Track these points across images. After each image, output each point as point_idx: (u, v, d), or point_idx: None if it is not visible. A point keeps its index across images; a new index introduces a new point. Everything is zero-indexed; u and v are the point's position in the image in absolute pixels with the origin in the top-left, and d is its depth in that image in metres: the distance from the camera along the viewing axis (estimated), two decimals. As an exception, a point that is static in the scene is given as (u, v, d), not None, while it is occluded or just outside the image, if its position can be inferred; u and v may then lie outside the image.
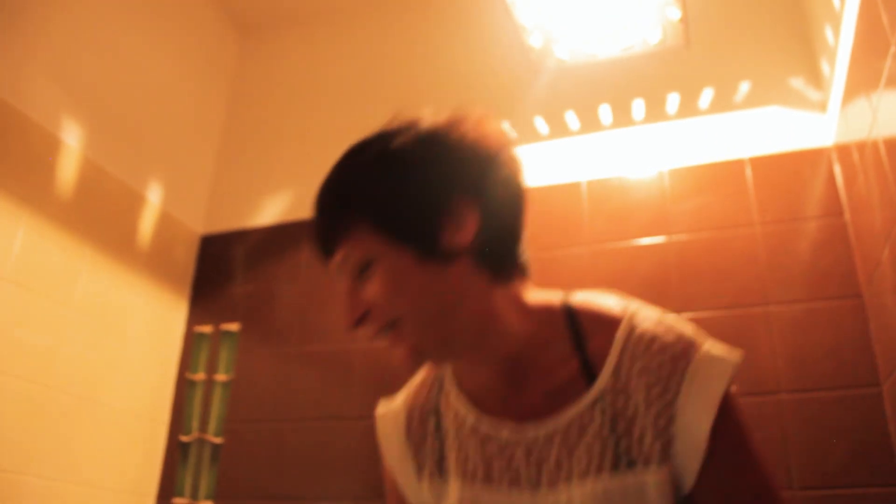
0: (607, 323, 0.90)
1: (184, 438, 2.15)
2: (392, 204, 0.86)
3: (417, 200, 0.86)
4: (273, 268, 2.28)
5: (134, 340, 2.11)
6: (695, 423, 0.82)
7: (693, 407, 0.82)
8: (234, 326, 2.24)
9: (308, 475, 1.99)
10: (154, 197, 2.26)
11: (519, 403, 0.92)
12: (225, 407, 2.14)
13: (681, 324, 0.89)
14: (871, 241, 1.60)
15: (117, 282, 2.08)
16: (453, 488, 0.93)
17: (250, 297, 2.27)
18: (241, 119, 2.62)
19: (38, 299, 1.83)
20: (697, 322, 1.79)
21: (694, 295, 1.82)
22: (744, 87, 2.01)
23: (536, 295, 0.95)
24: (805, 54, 1.98)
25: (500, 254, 0.90)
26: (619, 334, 0.87)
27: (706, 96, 2.03)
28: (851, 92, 1.63)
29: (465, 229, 0.86)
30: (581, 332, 0.91)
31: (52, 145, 1.92)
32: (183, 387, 2.22)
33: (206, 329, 2.27)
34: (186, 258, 2.38)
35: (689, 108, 2.03)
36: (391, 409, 1.06)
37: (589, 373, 0.88)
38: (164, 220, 2.29)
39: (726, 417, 0.82)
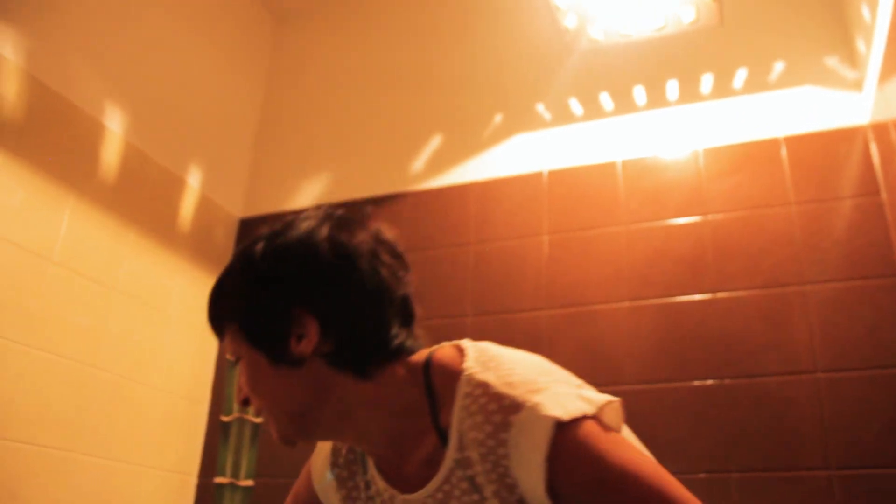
0: (450, 380, 0.90)
1: (224, 418, 2.20)
2: (247, 314, 0.94)
3: (265, 312, 0.93)
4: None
5: (175, 322, 2.16)
6: (531, 484, 0.81)
7: (524, 470, 0.81)
8: (272, 308, 2.27)
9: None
10: (194, 181, 2.30)
11: (402, 474, 0.96)
12: (265, 386, 2.19)
13: (516, 376, 0.86)
14: (909, 219, 1.59)
15: (159, 265, 2.13)
16: None
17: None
18: (277, 103, 2.66)
19: (84, 282, 1.88)
20: (733, 302, 1.82)
21: (729, 274, 1.82)
22: (778, 67, 2.00)
23: (410, 361, 0.95)
24: (840, 33, 1.97)
25: (352, 356, 0.92)
26: (458, 396, 0.87)
27: (740, 76, 2.02)
28: (889, 70, 1.62)
29: (308, 338, 0.91)
30: (435, 394, 0.91)
31: (95, 131, 1.97)
32: (223, 368, 2.27)
33: (246, 310, 2.31)
34: (226, 242, 2.42)
35: (723, 88, 2.03)
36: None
37: (444, 438, 0.89)
38: (204, 204, 2.34)
39: (563, 467, 0.80)
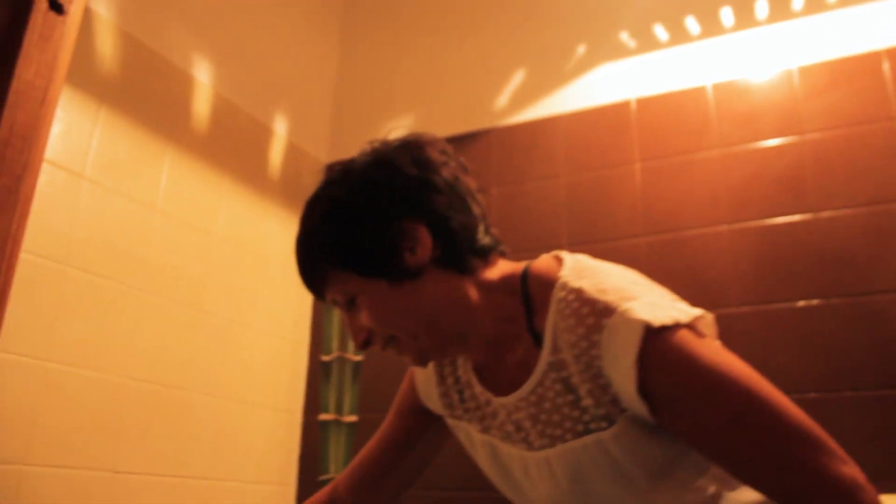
0: (546, 288, 0.93)
1: (324, 358, 2.26)
2: (351, 249, 0.94)
3: (371, 239, 0.94)
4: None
5: (273, 266, 2.22)
6: (624, 386, 0.83)
7: (616, 371, 0.84)
8: (365, 249, 2.31)
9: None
10: (280, 128, 2.33)
11: (497, 378, 1.01)
12: (362, 326, 2.24)
13: (609, 284, 0.88)
14: None
15: (254, 210, 2.18)
16: (473, 432, 1.05)
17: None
18: (357, 45, 2.66)
19: (186, 229, 1.94)
20: (837, 221, 1.78)
21: (830, 194, 1.79)
22: (875, -22, 1.93)
23: (502, 268, 1.01)
24: (942, -63, 1.89)
25: (459, 252, 0.96)
26: (553, 300, 0.91)
27: (835, -10, 1.96)
28: None
29: (422, 246, 0.94)
30: (531, 300, 0.96)
31: (186, 83, 2.01)
32: (320, 309, 2.32)
33: (339, 254, 2.36)
34: (314, 186, 2.45)
35: (816, 3, 1.97)
36: None
37: (539, 342, 0.93)
38: (291, 151, 2.37)
39: (657, 370, 0.81)
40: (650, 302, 0.85)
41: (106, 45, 1.79)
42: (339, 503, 1.21)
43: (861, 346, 1.67)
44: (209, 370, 1.95)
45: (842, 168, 1.80)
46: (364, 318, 0.96)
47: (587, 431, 0.89)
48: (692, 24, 2.09)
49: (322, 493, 1.24)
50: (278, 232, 2.26)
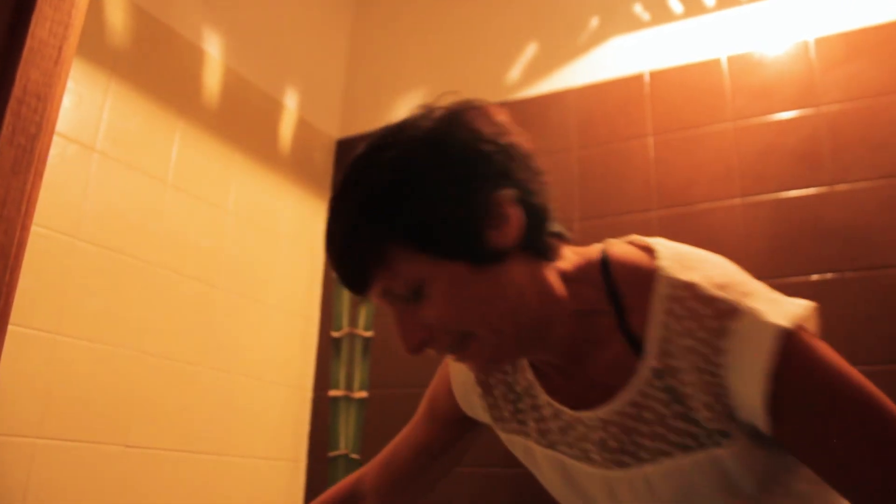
0: (641, 281, 0.82)
1: (335, 334, 2.26)
2: (427, 223, 0.79)
3: (453, 212, 0.79)
4: (409, 167, 2.33)
5: (283, 242, 2.22)
6: (748, 396, 0.75)
7: (742, 381, 0.75)
8: (376, 225, 2.31)
9: (459, 361, 2.06)
10: (291, 103, 2.32)
11: (572, 385, 0.89)
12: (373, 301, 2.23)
13: (723, 277, 0.79)
14: None
15: (265, 186, 2.17)
16: (535, 447, 0.95)
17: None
18: (368, 19, 2.64)
19: (198, 203, 1.94)
20: (853, 194, 1.76)
21: (848, 166, 1.76)
22: (894, -53, 1.90)
23: (573, 257, 0.89)
24: None
25: (541, 235, 0.84)
26: (656, 297, 0.79)
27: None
28: None
29: (511, 224, 0.80)
30: (618, 293, 0.84)
31: (196, 56, 2.00)
32: (330, 286, 2.32)
33: (349, 229, 2.35)
34: (325, 162, 2.45)
35: (834, -26, 1.94)
36: None
37: (635, 345, 0.82)
38: (302, 126, 2.36)
39: (789, 380, 0.73)
40: (769, 298, 0.77)
41: (117, 17, 1.78)
42: (363, 499, 1.13)
43: (875, 319, 1.65)
44: (220, 345, 1.95)
45: (858, 141, 1.77)
46: (431, 312, 0.80)
47: (699, 446, 0.79)
48: (707, -5, 2.07)
49: (345, 484, 1.16)
50: (288, 207, 2.25)
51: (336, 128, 2.52)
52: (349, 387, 2.19)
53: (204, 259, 1.93)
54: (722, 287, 0.77)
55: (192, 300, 1.88)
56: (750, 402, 0.75)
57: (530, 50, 2.27)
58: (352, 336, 2.24)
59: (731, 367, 0.75)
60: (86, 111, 1.68)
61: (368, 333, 2.22)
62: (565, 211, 2.04)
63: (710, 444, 0.78)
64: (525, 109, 2.20)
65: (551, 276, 0.85)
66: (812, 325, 0.79)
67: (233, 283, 2.01)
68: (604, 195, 2.01)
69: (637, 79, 2.07)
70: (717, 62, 1.99)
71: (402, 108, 2.40)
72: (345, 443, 2.14)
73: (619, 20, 2.17)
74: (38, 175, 1.18)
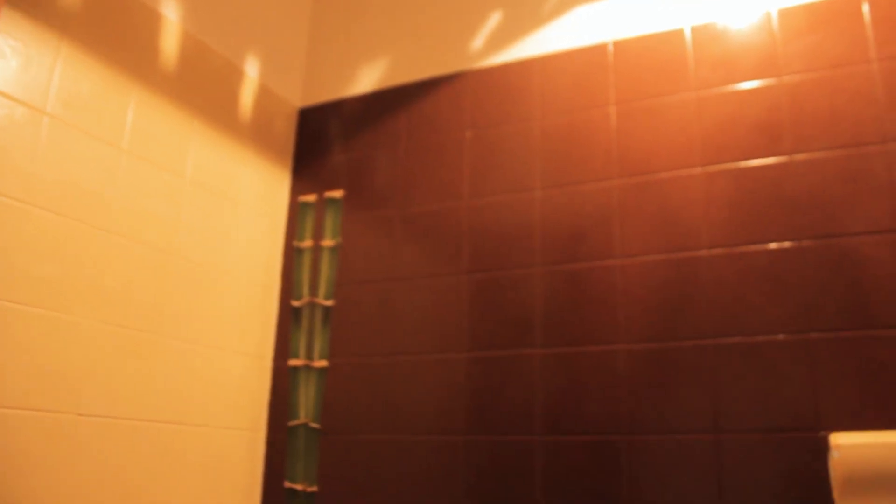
0: None
1: (295, 303, 2.24)
2: None
3: None
4: (373, 135, 2.31)
5: (243, 210, 2.18)
6: None
7: None
8: (337, 193, 2.29)
9: (418, 332, 2.06)
10: (252, 71, 2.28)
11: None
12: (334, 271, 2.22)
13: None
14: None
15: (224, 154, 2.13)
16: None
17: (352, 164, 2.31)
18: (328, -8, 2.60)
19: (155, 171, 1.90)
20: (811, 164, 1.77)
21: (807, 137, 1.77)
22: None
23: None
24: None
25: None
26: None
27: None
28: None
29: None
30: None
31: (153, 20, 1.95)
32: (291, 255, 2.30)
33: (310, 198, 2.33)
34: (287, 131, 2.42)
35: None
36: None
37: None
38: (263, 94, 2.32)
39: None
40: None
41: None
42: None
43: (831, 288, 1.66)
44: (178, 314, 1.92)
45: (819, 111, 1.78)
46: None
47: None
48: (671, -35, 2.05)
49: None
50: (248, 175, 2.22)
51: (298, 96, 2.48)
52: (309, 356, 2.17)
53: (161, 227, 1.90)
54: None
55: (149, 268, 1.85)
56: None
57: (494, 18, 2.25)
58: (312, 305, 2.22)
59: None
60: (35, 72, 1.63)
61: (329, 302, 2.20)
62: (526, 179, 2.03)
63: None
64: (488, 78, 2.18)
65: None
66: None
67: (191, 252, 1.98)
68: (565, 164, 2.00)
69: (601, 48, 2.06)
70: (680, 32, 1.98)
71: (366, 75, 2.38)
72: (304, 412, 2.12)
73: (583, -12, 2.15)
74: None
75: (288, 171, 2.39)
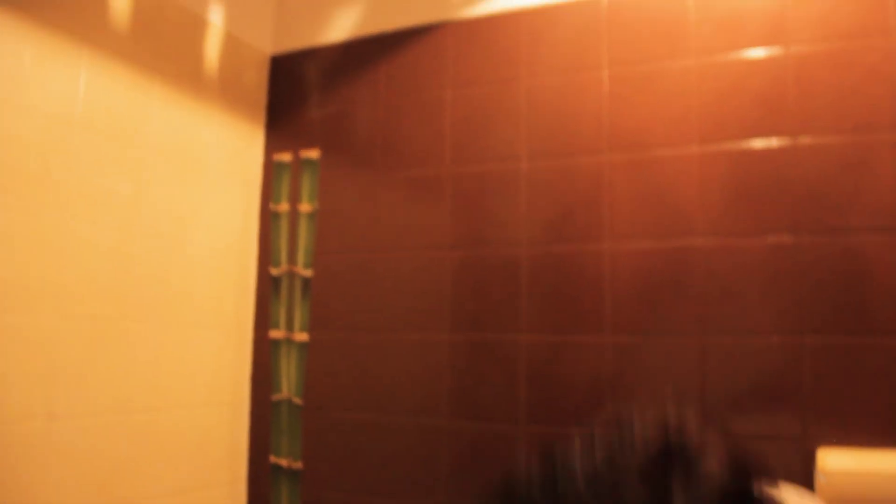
0: None
1: (273, 271, 2.16)
2: None
3: None
4: (350, 88, 2.14)
5: (214, 175, 2.06)
6: None
7: None
8: (313, 154, 2.15)
9: (399, 309, 1.98)
10: (216, 18, 2.10)
11: None
12: (312, 239, 2.12)
13: None
14: None
15: (190, 116, 1.99)
16: None
17: (328, 120, 2.16)
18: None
19: (112, 143, 1.77)
20: (817, 149, 1.63)
21: (813, 116, 1.62)
22: None
23: None
24: None
25: None
26: None
27: None
28: None
29: None
30: None
31: (101, -27, 1.77)
32: (267, 219, 2.19)
33: (286, 157, 2.19)
34: (258, 81, 2.26)
35: None
36: None
37: None
38: (230, 43, 2.15)
39: None
40: None
41: None
42: None
43: (830, 288, 1.57)
44: (147, 295, 1.84)
45: (828, 88, 1.62)
46: None
47: None
48: None
49: None
50: (218, 136, 2.08)
51: (269, 44, 2.30)
52: (290, 328, 2.11)
53: (123, 203, 1.78)
54: None
55: (112, 251, 1.75)
56: None
57: (478, -40, 2.05)
58: (291, 274, 2.13)
59: None
60: None
61: (308, 273, 2.11)
62: (511, 147, 1.91)
63: None
64: (471, 31, 2.01)
65: None
66: None
67: (158, 228, 1.87)
68: (553, 133, 1.87)
69: (594, 3, 1.87)
70: (681, -14, 1.80)
71: (341, 21, 2.19)
72: (287, 386, 2.09)
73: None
74: None
75: (261, 126, 2.24)
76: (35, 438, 1.57)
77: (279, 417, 2.07)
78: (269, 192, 2.20)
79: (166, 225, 1.90)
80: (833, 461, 1.43)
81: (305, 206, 2.14)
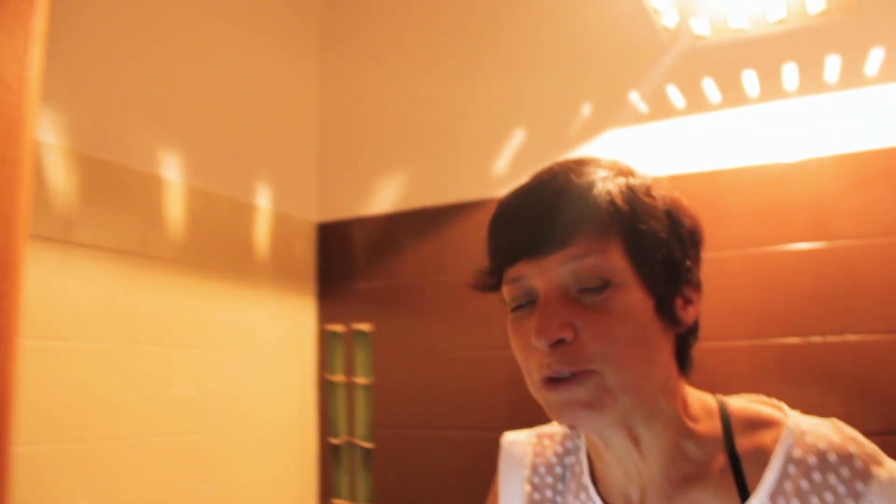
0: (765, 433, 0.82)
1: (333, 441, 2.22)
2: (650, 243, 0.79)
3: (676, 257, 0.81)
4: (397, 262, 2.19)
5: (271, 351, 2.12)
6: None
7: None
8: (365, 326, 2.20)
9: (462, 488, 2.02)
10: (264, 202, 2.15)
11: None
12: (370, 412, 2.17)
13: (855, 441, 0.78)
14: None
15: (247, 301, 2.05)
16: None
17: (377, 293, 2.20)
18: (336, 107, 2.42)
19: (176, 350, 1.83)
20: (863, 348, 1.64)
21: (858, 314, 1.62)
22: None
23: (694, 393, 0.89)
24: None
25: (690, 345, 0.87)
26: (779, 448, 0.80)
27: (875, 60, 1.70)
28: None
29: (690, 311, 0.83)
30: (734, 440, 0.83)
31: (153, 185, 1.82)
32: (325, 389, 2.25)
33: (338, 328, 2.25)
34: (307, 251, 2.32)
35: (853, 78, 1.72)
36: (521, 443, 1.05)
37: (742, 489, 0.80)
38: (278, 219, 2.20)
39: None
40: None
41: (57, 171, 1.59)
42: None
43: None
44: (213, 482, 1.90)
45: (873, 285, 1.61)
46: (595, 318, 0.76)
47: None
48: (711, 88, 1.86)
49: None
50: (273, 312, 2.13)
51: (315, 214, 2.35)
52: (352, 497, 2.16)
53: (185, 409, 1.83)
54: (850, 443, 0.78)
55: (176, 458, 1.80)
56: None
57: (518, 137, 2.08)
58: (351, 445, 2.19)
59: None
60: (43, 300, 1.53)
61: (368, 445, 2.17)
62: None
63: None
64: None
65: (681, 387, 0.86)
66: None
67: (221, 421, 1.91)
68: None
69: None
70: (720, 174, 1.81)
71: (383, 196, 2.23)
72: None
73: (614, 111, 1.96)
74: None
75: (312, 295, 2.29)
76: None
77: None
78: (324, 362, 2.25)
79: (229, 416, 1.95)
80: None
81: (361, 380, 2.19)
